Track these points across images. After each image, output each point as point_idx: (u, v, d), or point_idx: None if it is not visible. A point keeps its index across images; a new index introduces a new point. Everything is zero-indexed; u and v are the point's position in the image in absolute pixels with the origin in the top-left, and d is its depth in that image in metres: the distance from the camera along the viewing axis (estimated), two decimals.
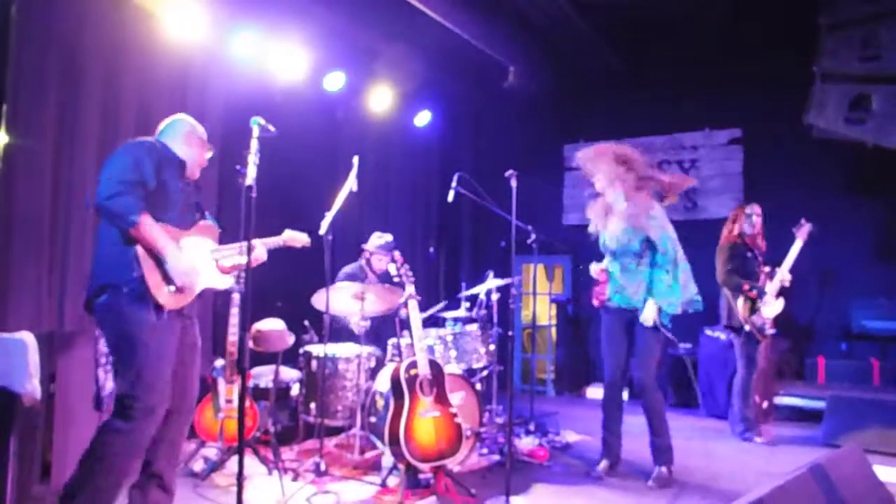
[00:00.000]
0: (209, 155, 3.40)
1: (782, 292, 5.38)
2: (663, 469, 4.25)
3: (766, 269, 5.43)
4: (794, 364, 6.74)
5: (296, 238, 3.64)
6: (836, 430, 5.27)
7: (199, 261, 3.13)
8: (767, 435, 5.41)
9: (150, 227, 2.89)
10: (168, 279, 2.95)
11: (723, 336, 6.41)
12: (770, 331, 5.39)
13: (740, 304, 5.34)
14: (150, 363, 2.90)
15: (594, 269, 4.50)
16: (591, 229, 4.49)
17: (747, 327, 5.33)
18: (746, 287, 5.31)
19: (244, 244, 3.23)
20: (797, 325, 6.71)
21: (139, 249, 2.90)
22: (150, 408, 2.90)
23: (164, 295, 2.94)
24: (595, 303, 4.51)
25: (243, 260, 3.21)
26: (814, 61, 5.82)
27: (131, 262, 2.88)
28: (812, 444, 5.32)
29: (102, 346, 3.77)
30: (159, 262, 2.95)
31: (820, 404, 5.66)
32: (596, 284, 4.51)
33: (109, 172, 2.90)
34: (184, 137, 3.27)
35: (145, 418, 2.90)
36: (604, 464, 4.41)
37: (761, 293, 5.31)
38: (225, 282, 3.30)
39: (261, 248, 3.40)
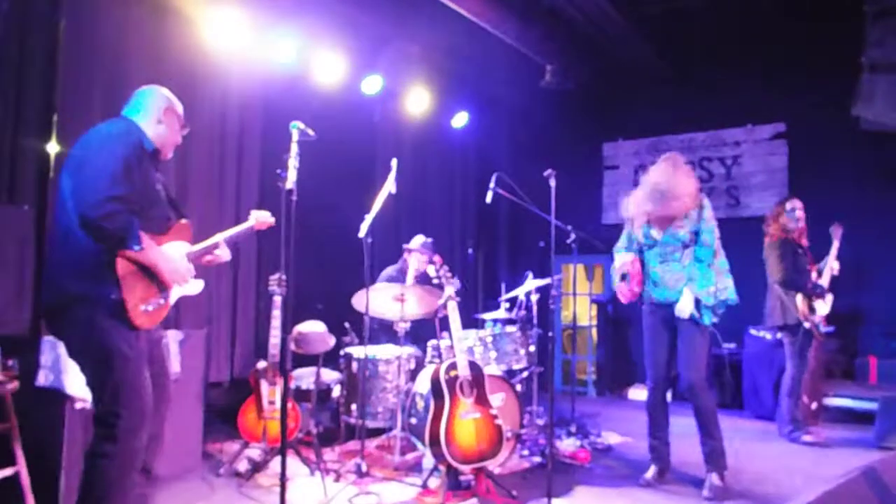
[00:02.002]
0: (185, 132, 3.10)
1: (830, 287, 5.27)
2: (716, 477, 4.01)
3: (815, 266, 5.32)
4: (843, 364, 6.56)
5: (262, 219, 3.40)
6: (889, 431, 5.11)
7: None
8: (817, 436, 5.26)
9: (147, 249, 2.66)
10: (147, 297, 2.74)
11: (768, 335, 6.27)
12: (826, 328, 5.25)
13: (799, 302, 5.18)
14: (129, 380, 2.69)
15: (621, 259, 4.22)
16: (627, 215, 4.24)
17: (807, 325, 5.18)
18: (810, 286, 5.19)
19: (214, 240, 3.14)
20: (847, 324, 6.52)
21: (119, 268, 2.64)
22: (132, 428, 2.69)
23: (140, 315, 2.71)
24: (623, 299, 4.26)
25: (207, 257, 3.14)
26: (860, 51, 5.66)
27: (111, 280, 2.63)
28: (863, 446, 5.17)
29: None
30: (145, 277, 2.73)
31: (871, 405, 5.51)
32: (623, 280, 4.24)
33: (96, 183, 2.56)
34: (159, 114, 2.93)
35: (131, 437, 2.69)
36: (652, 470, 4.23)
37: (823, 292, 5.19)
38: (196, 286, 3.02)
39: (223, 248, 3.15)
